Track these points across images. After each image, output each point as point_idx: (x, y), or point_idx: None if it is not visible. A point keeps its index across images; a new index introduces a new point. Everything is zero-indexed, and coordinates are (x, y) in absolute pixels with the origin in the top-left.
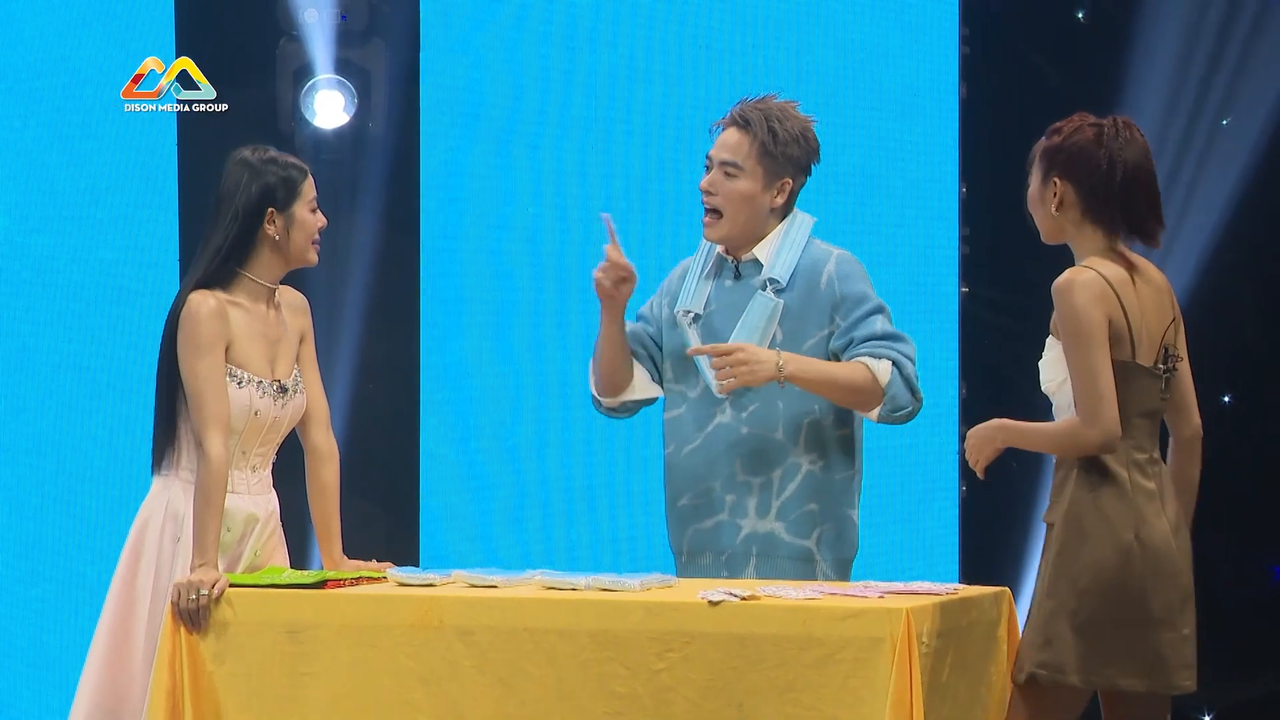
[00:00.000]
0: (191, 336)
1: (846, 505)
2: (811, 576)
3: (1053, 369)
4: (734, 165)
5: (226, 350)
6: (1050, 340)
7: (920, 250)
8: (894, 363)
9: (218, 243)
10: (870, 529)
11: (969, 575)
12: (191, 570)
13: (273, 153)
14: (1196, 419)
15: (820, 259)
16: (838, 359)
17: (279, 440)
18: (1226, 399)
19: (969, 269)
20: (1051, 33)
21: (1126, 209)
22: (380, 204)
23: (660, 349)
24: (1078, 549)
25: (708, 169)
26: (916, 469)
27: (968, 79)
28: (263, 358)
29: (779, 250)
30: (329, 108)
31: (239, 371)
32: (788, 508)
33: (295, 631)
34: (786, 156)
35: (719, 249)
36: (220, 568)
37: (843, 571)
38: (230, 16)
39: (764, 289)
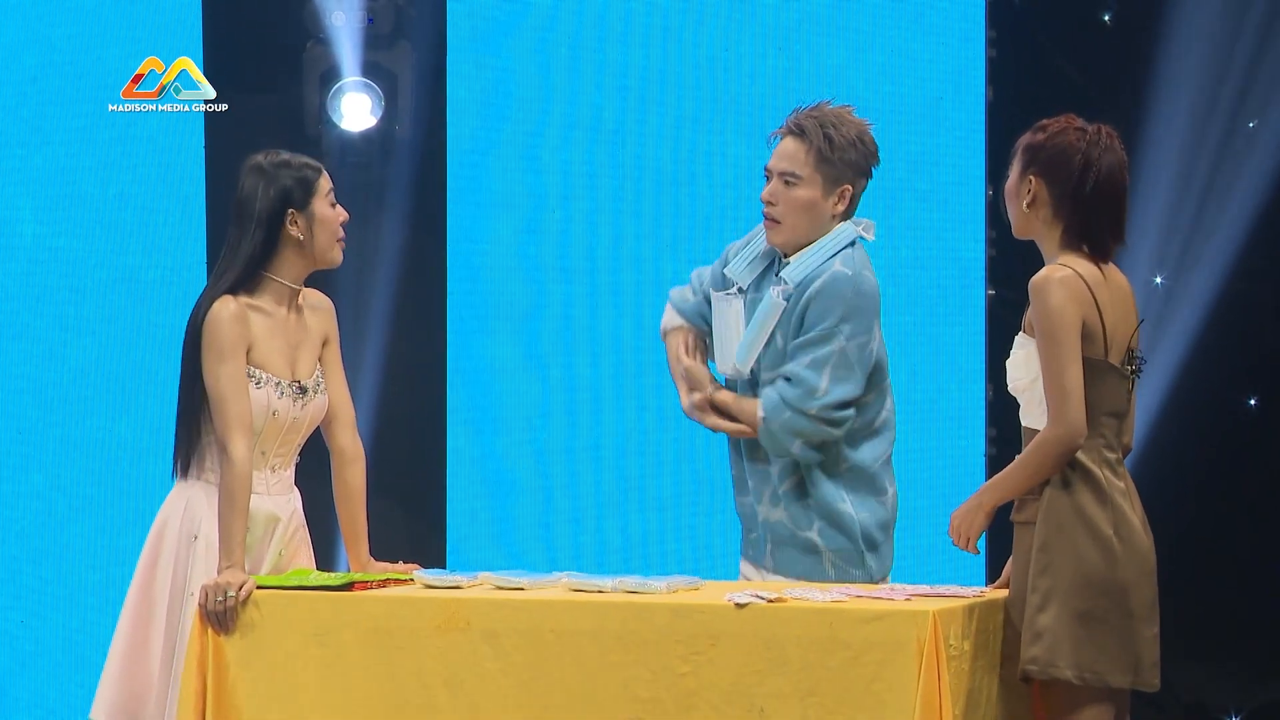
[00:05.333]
0: (213, 342)
1: (839, 500)
2: (819, 567)
3: (1023, 368)
4: (792, 175)
5: (247, 352)
6: (1021, 338)
7: (947, 253)
8: (764, 414)
9: (245, 250)
10: (896, 532)
11: (996, 577)
12: (219, 572)
13: (285, 155)
14: (1131, 435)
15: (819, 273)
16: None
17: (300, 441)
18: (1252, 401)
19: (996, 271)
20: (1077, 35)
21: (1088, 218)
22: (407, 206)
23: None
24: (1060, 545)
25: (767, 180)
26: (944, 472)
27: (994, 81)
28: (282, 359)
29: (803, 255)
30: (356, 110)
31: (257, 372)
32: (791, 498)
33: (321, 633)
34: (845, 162)
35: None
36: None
37: (856, 564)
38: (257, 20)
39: (775, 286)
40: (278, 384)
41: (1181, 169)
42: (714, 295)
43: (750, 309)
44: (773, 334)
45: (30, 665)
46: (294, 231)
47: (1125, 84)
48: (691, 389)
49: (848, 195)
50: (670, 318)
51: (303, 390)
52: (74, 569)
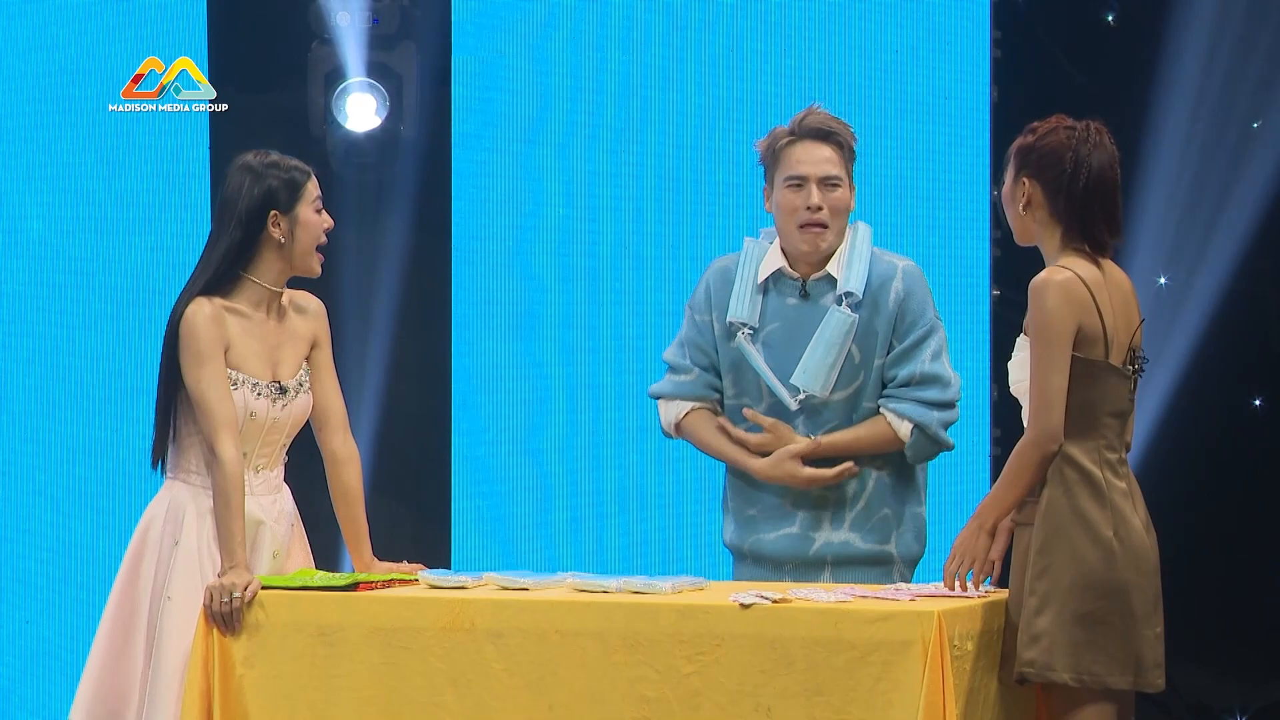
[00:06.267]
0: (190, 344)
1: (915, 503)
2: (889, 578)
3: (1023, 369)
4: (835, 179)
5: (225, 353)
6: (1021, 340)
7: (952, 253)
8: (916, 425)
9: (222, 247)
10: None
11: (1001, 578)
12: (221, 574)
13: (275, 156)
14: (1130, 432)
15: (888, 274)
16: (882, 384)
17: (283, 441)
18: (1257, 402)
19: (1001, 272)
20: (1081, 35)
21: (1082, 214)
22: (412, 207)
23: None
24: (1059, 546)
25: (797, 189)
26: (948, 473)
27: (999, 82)
28: (260, 360)
29: (849, 264)
30: (361, 111)
31: (233, 373)
32: (863, 517)
33: (326, 634)
34: (855, 158)
35: (776, 264)
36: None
37: (913, 569)
38: (262, 20)
39: (839, 304)
40: (254, 385)
41: (1186, 169)
42: (737, 345)
43: (774, 338)
44: (849, 350)
45: (35, 665)
46: (275, 233)
47: (1129, 84)
48: (770, 444)
49: (854, 187)
50: (675, 408)
51: (282, 390)
52: (79, 569)
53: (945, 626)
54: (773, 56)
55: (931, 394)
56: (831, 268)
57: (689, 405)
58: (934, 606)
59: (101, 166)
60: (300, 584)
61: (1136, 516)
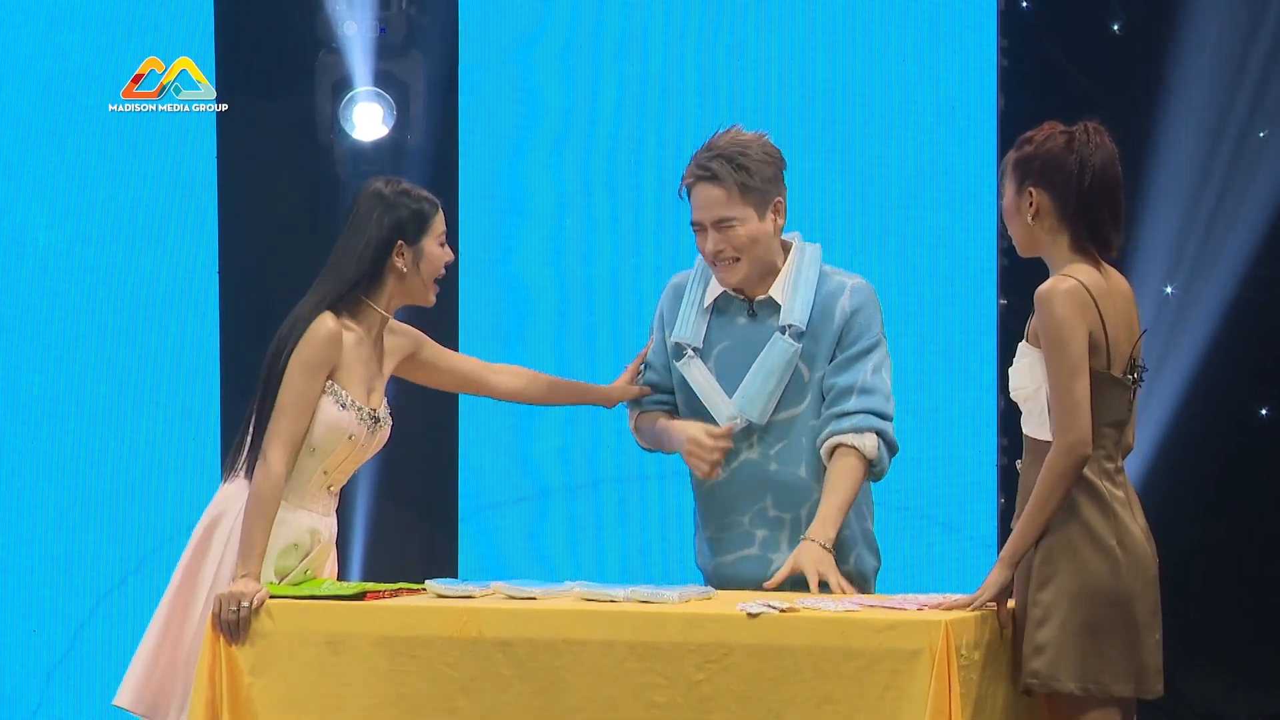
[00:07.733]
0: (303, 353)
1: (866, 519)
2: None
3: (1025, 376)
4: (727, 220)
5: (334, 373)
6: (1024, 347)
7: (959, 262)
8: (877, 433)
9: (349, 271)
10: (909, 541)
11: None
12: (234, 580)
13: (405, 185)
14: (1133, 436)
15: (835, 291)
16: (822, 396)
17: (356, 468)
18: (1264, 412)
19: (1008, 281)
20: (1088, 44)
21: (1091, 214)
22: None
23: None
24: (1064, 557)
25: (699, 233)
26: (955, 481)
27: (1006, 90)
28: (362, 385)
29: (794, 290)
30: (368, 120)
31: (343, 394)
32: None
33: (334, 642)
34: (765, 180)
35: (722, 286)
36: (278, 580)
37: (872, 583)
38: (269, 28)
39: (783, 333)
40: (360, 409)
41: (1192, 178)
42: (678, 366)
43: (725, 358)
44: (796, 370)
45: (40, 672)
46: (399, 263)
47: (1135, 93)
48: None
49: (781, 206)
50: (631, 417)
51: (375, 419)
52: (86, 577)
53: (953, 635)
54: (779, 64)
55: (876, 403)
56: (775, 291)
57: (638, 410)
58: (941, 616)
59: (109, 173)
60: (308, 593)
61: (1136, 525)
